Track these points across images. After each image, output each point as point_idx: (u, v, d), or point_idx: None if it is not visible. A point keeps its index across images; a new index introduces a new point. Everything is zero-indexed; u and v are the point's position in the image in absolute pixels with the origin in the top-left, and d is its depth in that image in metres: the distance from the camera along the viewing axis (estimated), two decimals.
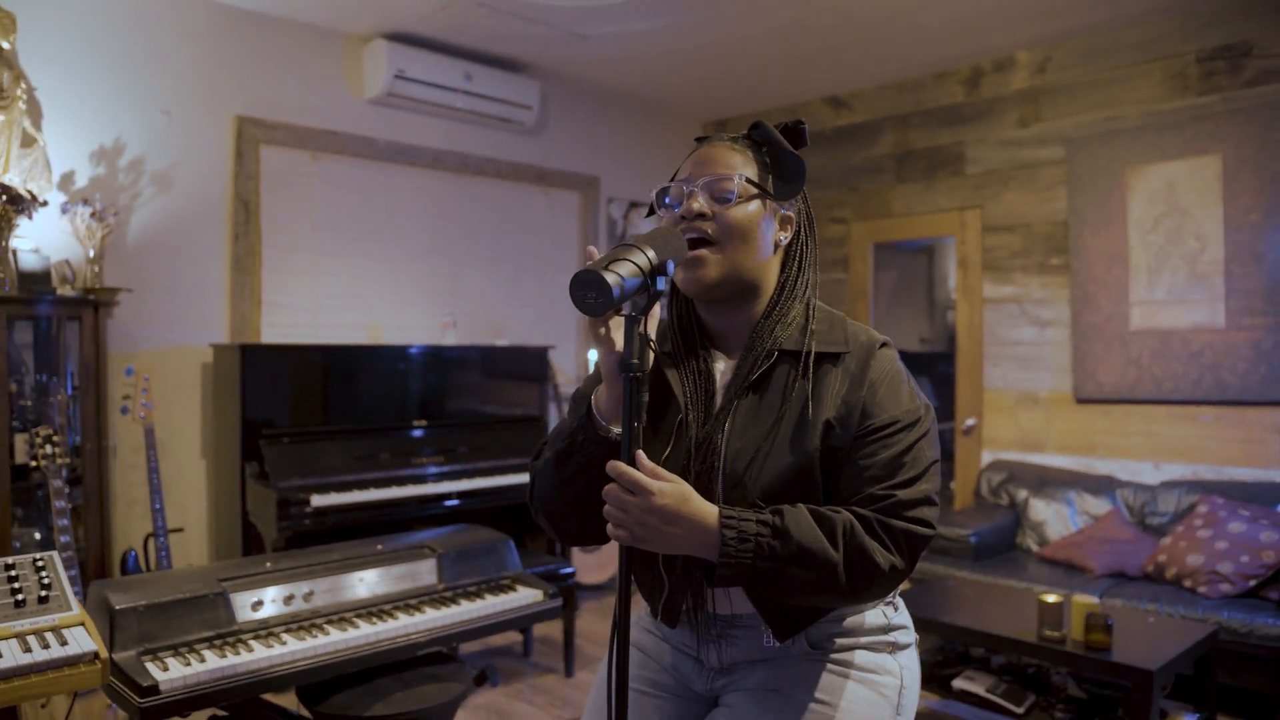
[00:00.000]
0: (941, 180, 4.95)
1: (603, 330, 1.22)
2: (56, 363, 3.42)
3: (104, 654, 1.78)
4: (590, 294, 1.10)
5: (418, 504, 3.86)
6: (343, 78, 4.41)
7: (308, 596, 2.24)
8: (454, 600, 2.43)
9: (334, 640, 2.14)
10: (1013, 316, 4.67)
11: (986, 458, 4.73)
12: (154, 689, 1.85)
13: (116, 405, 3.54)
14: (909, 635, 1.39)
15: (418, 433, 4.16)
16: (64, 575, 2.04)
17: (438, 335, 4.69)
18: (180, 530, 3.66)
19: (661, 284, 1.17)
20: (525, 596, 2.52)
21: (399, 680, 2.25)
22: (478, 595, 2.48)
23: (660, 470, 1.17)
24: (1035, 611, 2.88)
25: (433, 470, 4.03)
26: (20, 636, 1.82)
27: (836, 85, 5.29)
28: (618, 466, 1.15)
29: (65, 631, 1.85)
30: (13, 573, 2.01)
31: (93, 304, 3.34)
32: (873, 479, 1.21)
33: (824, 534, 1.16)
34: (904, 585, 1.44)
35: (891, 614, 1.36)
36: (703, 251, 1.30)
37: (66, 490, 3.09)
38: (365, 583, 2.36)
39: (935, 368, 6.19)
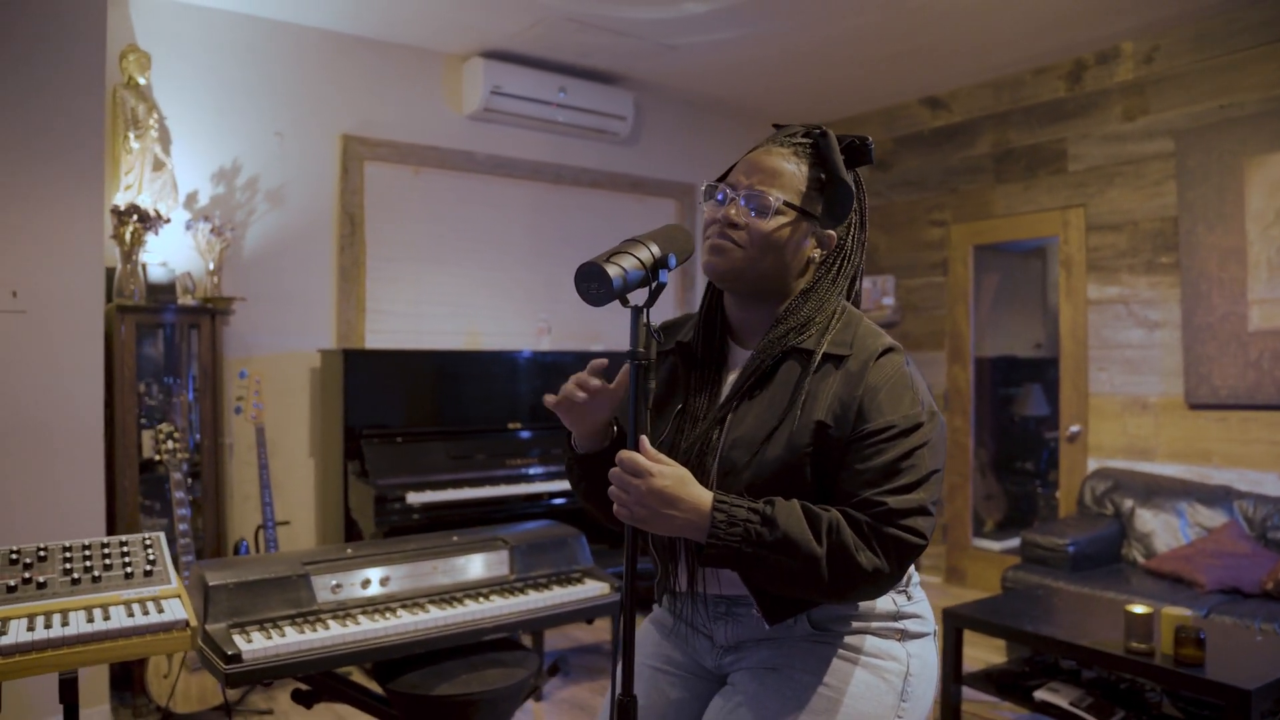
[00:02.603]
0: (1043, 179, 4.78)
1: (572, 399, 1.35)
2: (180, 366, 3.74)
3: (194, 623, 1.96)
4: (593, 285, 1.18)
5: (512, 503, 4.00)
6: (442, 95, 4.64)
7: (384, 581, 2.38)
8: (522, 590, 2.53)
9: (404, 623, 2.26)
10: (1119, 318, 4.46)
11: (1092, 465, 4.52)
12: (237, 657, 2.01)
13: (233, 406, 3.83)
14: (923, 625, 1.38)
15: (511, 435, 4.32)
16: (167, 553, 2.25)
17: (534, 341, 4.85)
18: (287, 523, 3.92)
19: (664, 277, 1.23)
20: (592, 589, 2.60)
21: (466, 663, 2.36)
22: (546, 586, 2.57)
23: (661, 456, 1.22)
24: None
25: (526, 471, 4.17)
26: (127, 604, 2.03)
27: (933, 85, 5.19)
28: (623, 453, 1.21)
29: (164, 601, 2.04)
30: (125, 549, 2.24)
31: (210, 312, 3.64)
32: (867, 483, 1.22)
33: (810, 528, 1.18)
34: (916, 578, 1.43)
35: (903, 602, 1.36)
36: (728, 244, 1.34)
37: (186, 483, 3.38)
38: (439, 571, 2.48)
39: (1047, 374, 5.96)
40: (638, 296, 1.23)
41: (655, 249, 1.22)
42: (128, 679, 3.46)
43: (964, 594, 5.01)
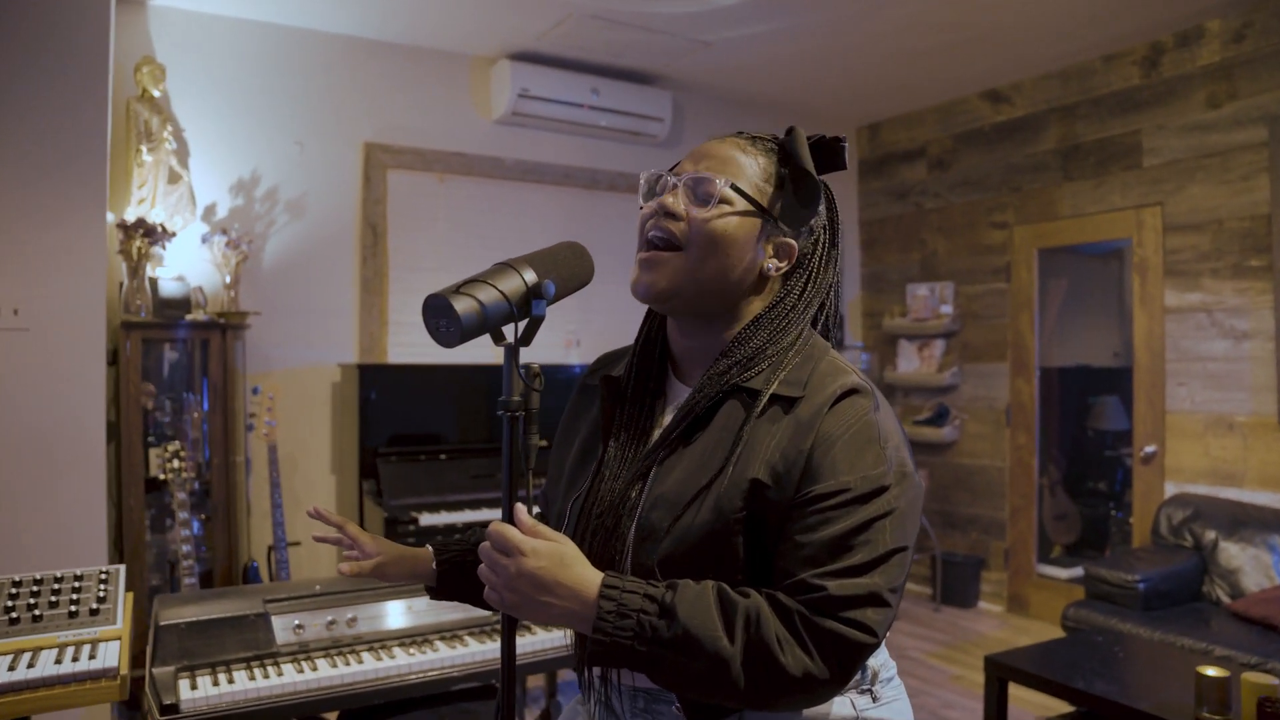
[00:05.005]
0: (1114, 176, 4.37)
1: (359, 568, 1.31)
2: (193, 382, 3.66)
3: (124, 671, 1.82)
4: (441, 321, 0.97)
5: None
6: (468, 100, 4.49)
7: (351, 622, 2.21)
8: None
9: (365, 669, 2.09)
10: (1201, 328, 4.03)
11: (1169, 490, 4.10)
12: (174, 707, 1.87)
13: (246, 423, 3.74)
14: None
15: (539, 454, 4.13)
16: (121, 589, 2.12)
17: (562, 354, 4.67)
18: (298, 544, 3.82)
19: (539, 309, 1.01)
20: None
21: (433, 714, 2.18)
22: (529, 629, 2.37)
23: (540, 528, 1.01)
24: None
25: None
26: (61, 647, 1.89)
27: (993, 77, 4.82)
28: (494, 526, 1.01)
29: (101, 645, 1.90)
30: (78, 584, 2.12)
31: (221, 327, 3.55)
32: (807, 560, 0.98)
33: (722, 621, 0.95)
34: (879, 662, 1.17)
35: (865, 705, 1.10)
36: (661, 253, 1.13)
37: (189, 503, 3.29)
38: (413, 610, 2.30)
39: (1126, 385, 5.52)
40: (512, 333, 1.02)
41: (529, 275, 1.01)
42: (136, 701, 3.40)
43: (1026, 625, 4.63)
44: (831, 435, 1.02)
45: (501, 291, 0.97)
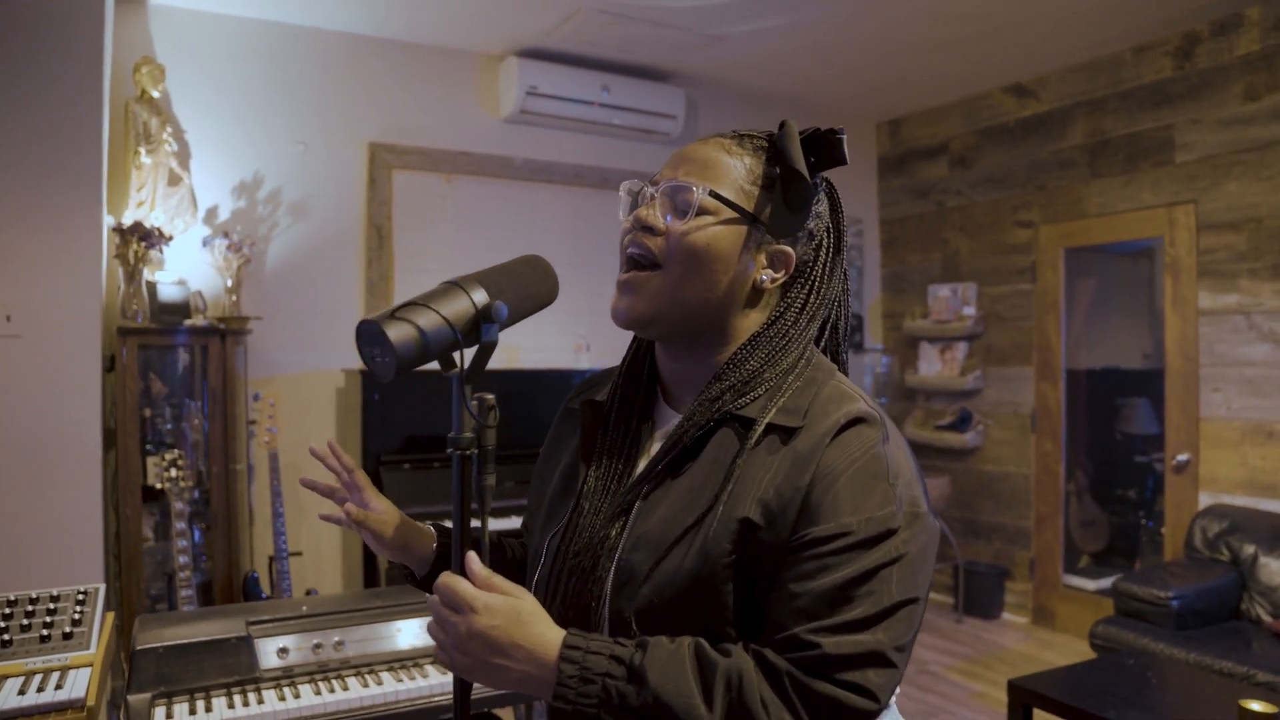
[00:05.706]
0: (1145, 172, 4.19)
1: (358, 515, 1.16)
2: (192, 388, 3.59)
3: (92, 701, 1.73)
4: (376, 351, 0.86)
5: None
6: (476, 98, 4.39)
7: (338, 645, 2.12)
8: None
9: (351, 696, 1.99)
10: (1238, 331, 3.85)
11: (1204, 500, 3.92)
12: None
13: (248, 430, 3.67)
14: None
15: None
16: (99, 611, 2.04)
17: (573, 358, 4.56)
18: (299, 554, 3.73)
19: (490, 334, 0.90)
20: None
21: None
22: None
23: (495, 580, 0.90)
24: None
25: None
26: (28, 674, 1.81)
27: (1018, 71, 4.65)
28: (443, 578, 0.90)
29: (71, 672, 1.82)
30: (53, 605, 2.04)
31: (220, 333, 3.47)
32: (800, 612, 0.86)
33: (699, 684, 0.84)
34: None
35: None
36: (639, 274, 1.03)
37: (187, 513, 3.22)
38: (404, 633, 2.20)
39: (1156, 387, 5.33)
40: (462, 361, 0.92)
41: (479, 296, 0.89)
42: None
43: (1052, 639, 4.47)
44: (834, 470, 0.90)
45: (444, 316, 0.86)
